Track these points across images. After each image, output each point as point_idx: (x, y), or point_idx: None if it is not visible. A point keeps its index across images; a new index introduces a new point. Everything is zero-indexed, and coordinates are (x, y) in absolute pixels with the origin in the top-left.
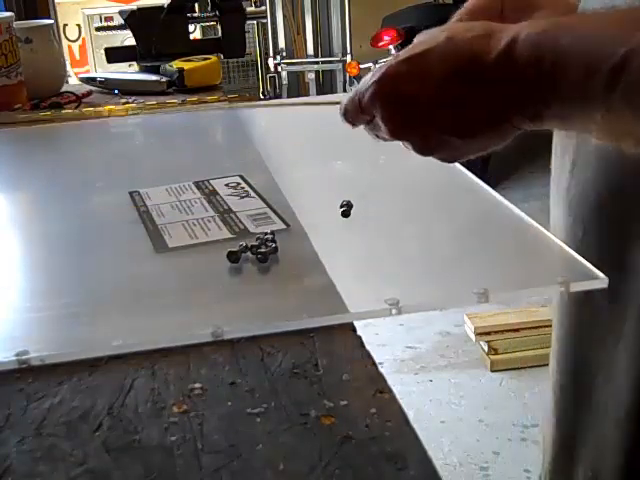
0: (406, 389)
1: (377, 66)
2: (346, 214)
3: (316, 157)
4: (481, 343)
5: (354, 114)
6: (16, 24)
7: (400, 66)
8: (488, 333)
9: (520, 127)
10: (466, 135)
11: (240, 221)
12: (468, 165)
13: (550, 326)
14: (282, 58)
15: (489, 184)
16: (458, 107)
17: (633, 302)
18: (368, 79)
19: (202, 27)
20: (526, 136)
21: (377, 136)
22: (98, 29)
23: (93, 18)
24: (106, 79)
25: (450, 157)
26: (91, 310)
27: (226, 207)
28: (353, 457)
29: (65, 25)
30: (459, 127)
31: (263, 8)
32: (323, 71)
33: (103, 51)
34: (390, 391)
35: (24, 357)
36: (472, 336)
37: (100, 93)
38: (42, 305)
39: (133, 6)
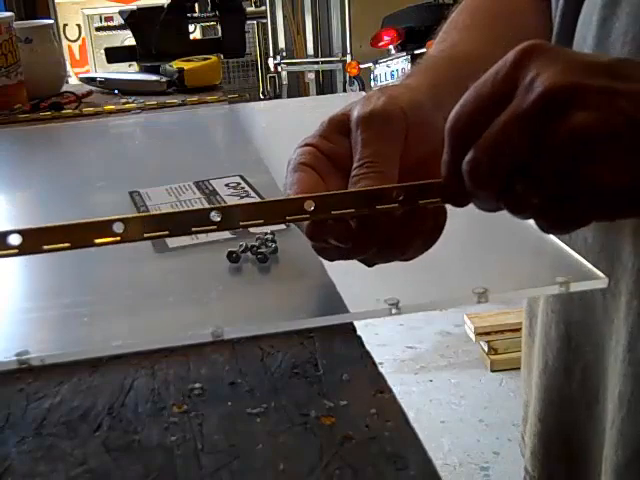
0: (406, 389)
1: None
2: None
3: None
4: (481, 343)
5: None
6: (16, 24)
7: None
8: (488, 333)
9: None
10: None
11: None
12: None
13: None
14: (282, 58)
15: None
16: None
17: (624, 297)
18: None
19: (202, 27)
20: None
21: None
22: (98, 29)
23: (93, 18)
24: (106, 79)
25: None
26: (91, 310)
27: None
28: (353, 457)
29: (65, 25)
30: None
31: (263, 8)
32: (323, 71)
33: (103, 51)
34: (390, 391)
35: (24, 357)
36: (472, 336)
37: (100, 93)
38: (42, 305)
39: (133, 6)
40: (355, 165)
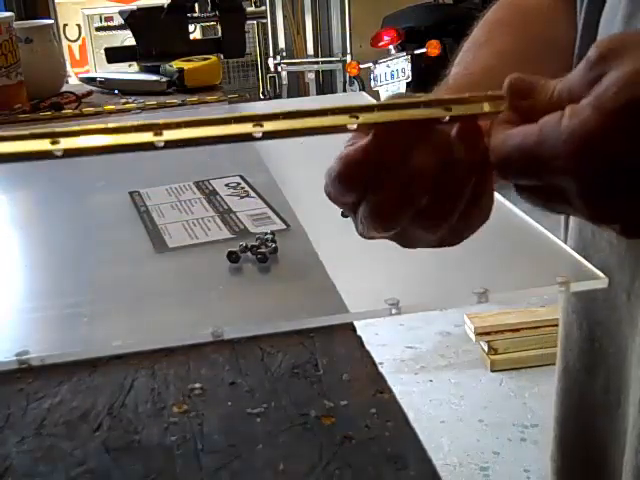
0: (406, 389)
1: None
2: (346, 214)
3: (316, 157)
4: (481, 343)
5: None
6: (16, 24)
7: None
8: (488, 333)
9: None
10: None
11: (240, 221)
12: None
13: (550, 326)
14: (282, 58)
15: None
16: None
17: None
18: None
19: (202, 27)
20: None
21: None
22: (98, 29)
23: (93, 18)
24: (106, 79)
25: None
26: (91, 310)
27: (226, 207)
28: (353, 457)
29: (65, 25)
30: None
31: (263, 8)
32: (323, 71)
33: (103, 51)
34: (390, 391)
35: (24, 357)
36: (472, 336)
37: (100, 93)
38: (42, 305)
39: (133, 6)
40: None
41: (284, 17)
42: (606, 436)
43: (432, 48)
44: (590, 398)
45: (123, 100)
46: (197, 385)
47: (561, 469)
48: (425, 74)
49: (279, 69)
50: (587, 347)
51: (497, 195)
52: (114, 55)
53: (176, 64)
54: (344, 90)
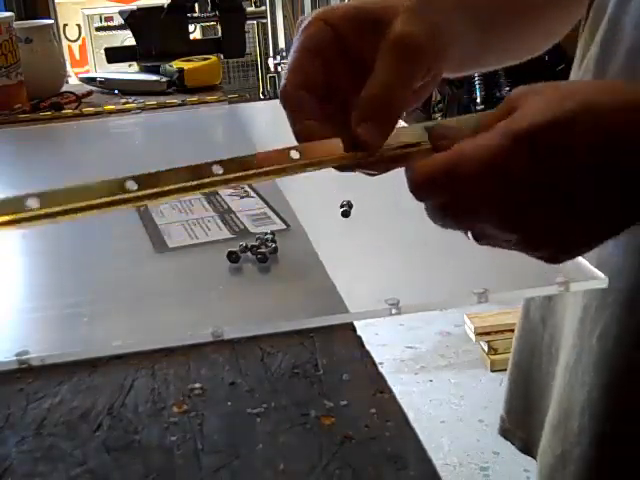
0: (406, 389)
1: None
2: (346, 214)
3: None
4: (481, 343)
5: None
6: (16, 24)
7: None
8: (488, 333)
9: None
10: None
11: (240, 221)
12: None
13: None
14: (282, 58)
15: None
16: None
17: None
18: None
19: (202, 27)
20: None
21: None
22: (98, 29)
23: (93, 18)
24: (106, 79)
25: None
26: (91, 310)
27: (226, 207)
28: (353, 457)
29: (65, 25)
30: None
31: (263, 8)
32: None
33: (103, 51)
34: (390, 391)
35: (24, 357)
36: (472, 336)
37: (100, 93)
38: (42, 305)
39: (133, 6)
40: (370, 89)
41: (284, 17)
42: (542, 384)
43: None
44: (539, 347)
45: (123, 100)
46: (197, 385)
47: (511, 404)
48: None
49: (279, 69)
50: (545, 300)
51: None
52: (114, 55)
53: (176, 64)
54: None
